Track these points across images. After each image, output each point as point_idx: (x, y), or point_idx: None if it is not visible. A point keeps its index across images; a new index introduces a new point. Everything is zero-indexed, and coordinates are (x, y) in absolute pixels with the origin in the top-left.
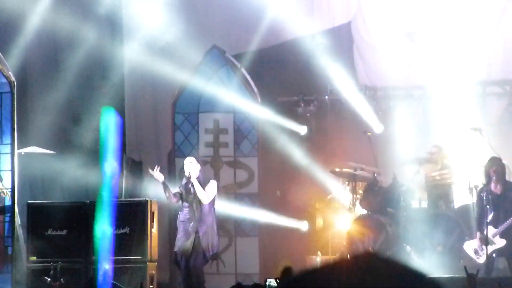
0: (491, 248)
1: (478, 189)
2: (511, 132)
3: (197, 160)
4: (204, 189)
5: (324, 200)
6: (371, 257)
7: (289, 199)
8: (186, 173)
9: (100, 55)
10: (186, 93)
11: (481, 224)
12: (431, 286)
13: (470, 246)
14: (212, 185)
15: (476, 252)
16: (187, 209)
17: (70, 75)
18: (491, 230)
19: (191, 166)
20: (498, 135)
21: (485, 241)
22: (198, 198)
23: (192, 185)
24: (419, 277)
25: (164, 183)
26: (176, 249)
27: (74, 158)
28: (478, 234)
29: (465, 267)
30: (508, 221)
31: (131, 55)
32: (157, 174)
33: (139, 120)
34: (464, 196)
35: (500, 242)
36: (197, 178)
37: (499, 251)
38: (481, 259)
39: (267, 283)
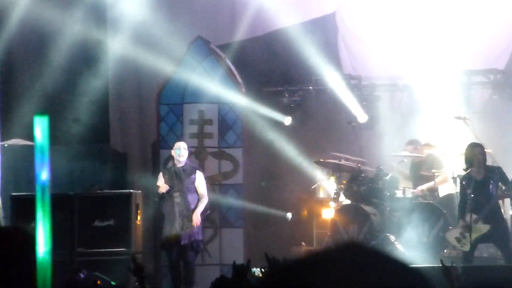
0: (474, 235)
1: (461, 177)
2: (495, 121)
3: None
4: (189, 179)
5: (308, 190)
6: (355, 247)
7: (274, 190)
8: (180, 158)
9: (84, 47)
10: (171, 84)
11: (463, 211)
12: (415, 277)
13: (453, 235)
14: (202, 178)
15: (459, 240)
16: (171, 196)
17: (55, 66)
18: (472, 216)
19: (184, 151)
20: (482, 124)
21: (468, 228)
22: (183, 185)
23: (177, 172)
24: (403, 268)
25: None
26: (163, 239)
27: (59, 149)
28: (460, 222)
29: (441, 260)
30: (489, 205)
31: (116, 46)
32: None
33: (123, 112)
34: (448, 185)
35: (484, 228)
36: (183, 165)
37: (483, 238)
38: (465, 247)
39: (252, 272)
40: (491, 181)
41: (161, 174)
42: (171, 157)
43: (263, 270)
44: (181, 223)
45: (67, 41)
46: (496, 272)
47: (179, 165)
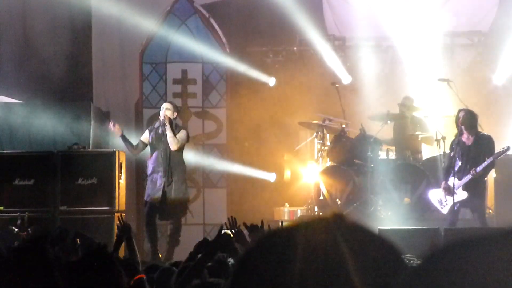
0: (454, 199)
1: (452, 140)
2: (479, 83)
3: (175, 108)
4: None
5: (292, 151)
6: (338, 220)
7: (257, 151)
8: (161, 117)
9: (67, 4)
10: (154, 43)
11: (448, 174)
12: (395, 258)
13: (435, 195)
14: (183, 133)
15: (440, 202)
16: (155, 156)
17: (37, 23)
18: (455, 181)
19: (167, 112)
20: (466, 86)
21: (449, 191)
22: (168, 146)
23: (164, 131)
24: (386, 248)
25: (122, 136)
26: (146, 198)
27: (42, 107)
28: (443, 184)
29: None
30: (469, 174)
31: (98, 3)
32: (115, 129)
33: (106, 70)
34: (431, 147)
35: (462, 195)
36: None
37: (461, 203)
38: (445, 209)
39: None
40: (480, 149)
41: (147, 131)
42: (157, 116)
43: (233, 231)
44: (165, 183)
45: (50, 1)
46: (476, 233)
47: (166, 123)
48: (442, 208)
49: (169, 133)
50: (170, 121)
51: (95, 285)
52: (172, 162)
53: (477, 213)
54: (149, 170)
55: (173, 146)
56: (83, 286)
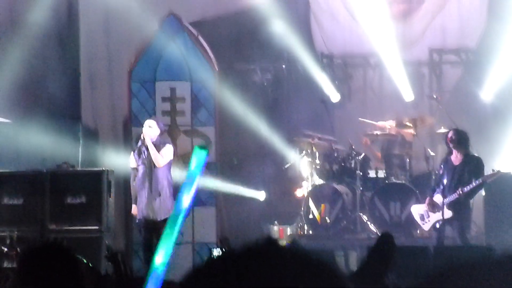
0: (436, 217)
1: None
2: (467, 100)
3: (158, 125)
4: (159, 152)
5: (281, 169)
6: (272, 246)
7: (246, 168)
8: (141, 136)
9: (56, 22)
10: (143, 61)
11: (434, 190)
12: (329, 277)
13: (417, 210)
14: (168, 148)
15: (422, 217)
16: (141, 174)
17: (26, 43)
18: (439, 199)
19: (148, 130)
20: (454, 102)
21: (433, 207)
22: (152, 161)
23: (146, 148)
24: (317, 269)
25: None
26: (140, 217)
27: (31, 125)
28: (428, 199)
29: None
30: (455, 194)
31: (87, 21)
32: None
33: (95, 89)
34: (420, 165)
35: (447, 213)
36: (154, 141)
37: (446, 221)
38: (426, 226)
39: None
40: (467, 169)
41: (131, 154)
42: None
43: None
44: (151, 199)
45: (39, 16)
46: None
47: (146, 141)
48: (423, 224)
49: (151, 151)
50: (151, 139)
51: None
52: (156, 178)
53: (458, 232)
54: (136, 188)
55: (157, 162)
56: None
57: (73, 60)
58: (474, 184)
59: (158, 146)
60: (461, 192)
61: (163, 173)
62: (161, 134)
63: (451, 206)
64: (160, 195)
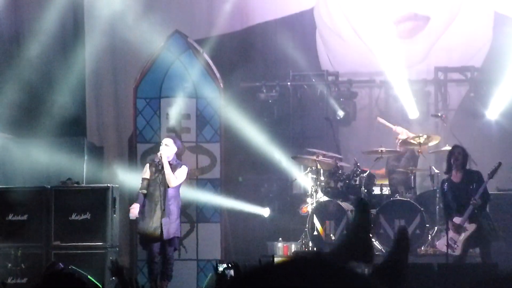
0: (463, 237)
1: (442, 179)
2: (472, 118)
3: (176, 143)
4: (173, 172)
5: (286, 186)
6: (310, 259)
7: (251, 185)
8: (159, 154)
9: (61, 40)
10: (148, 78)
11: (450, 213)
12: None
13: (443, 243)
14: (183, 170)
15: (450, 246)
16: (152, 190)
17: (31, 60)
18: (458, 219)
19: (165, 148)
20: (459, 121)
21: (460, 228)
22: (165, 180)
23: (162, 166)
24: (357, 281)
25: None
26: (141, 232)
27: (35, 142)
28: (450, 224)
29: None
30: (470, 206)
31: (93, 39)
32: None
33: (100, 105)
34: (425, 182)
35: (471, 227)
36: (170, 161)
37: (471, 239)
38: (457, 250)
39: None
40: (470, 185)
41: (147, 166)
42: (149, 152)
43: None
44: (160, 217)
45: (44, 35)
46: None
47: (162, 159)
48: (454, 251)
49: (166, 170)
50: (168, 157)
51: None
52: (168, 198)
53: (485, 241)
54: (145, 203)
55: (171, 183)
56: None
57: (78, 76)
58: (481, 188)
59: (175, 166)
60: (474, 201)
61: (174, 193)
62: (178, 152)
63: (471, 219)
64: (169, 214)
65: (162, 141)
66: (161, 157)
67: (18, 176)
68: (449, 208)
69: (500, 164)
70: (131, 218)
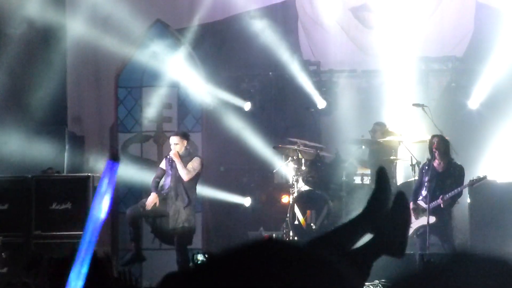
0: (418, 223)
1: (422, 164)
2: (453, 108)
3: (183, 138)
4: (186, 166)
5: (267, 175)
6: (270, 244)
7: (232, 175)
8: (170, 154)
9: (42, 27)
10: (129, 67)
11: (416, 196)
12: (327, 273)
13: None
14: (195, 162)
15: None
16: (168, 181)
17: (12, 47)
18: (423, 205)
19: (174, 147)
20: (440, 111)
21: (416, 212)
22: (176, 172)
23: (171, 161)
24: (318, 265)
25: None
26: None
27: (16, 131)
28: (411, 204)
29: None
30: (438, 201)
31: (74, 28)
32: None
33: (81, 94)
34: (406, 172)
35: (431, 219)
36: (182, 154)
37: (429, 227)
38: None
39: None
40: (449, 177)
41: (165, 158)
42: (130, 141)
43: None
44: (173, 208)
45: (26, 22)
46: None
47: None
48: None
49: (178, 166)
50: (179, 155)
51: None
52: (183, 190)
53: (445, 239)
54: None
55: (184, 177)
56: None
57: (59, 65)
58: (457, 191)
59: (186, 158)
60: (443, 199)
61: (190, 186)
62: (188, 144)
63: (433, 212)
64: (187, 204)
65: (170, 141)
66: (171, 158)
67: None
68: (419, 190)
69: (485, 177)
70: (148, 208)
